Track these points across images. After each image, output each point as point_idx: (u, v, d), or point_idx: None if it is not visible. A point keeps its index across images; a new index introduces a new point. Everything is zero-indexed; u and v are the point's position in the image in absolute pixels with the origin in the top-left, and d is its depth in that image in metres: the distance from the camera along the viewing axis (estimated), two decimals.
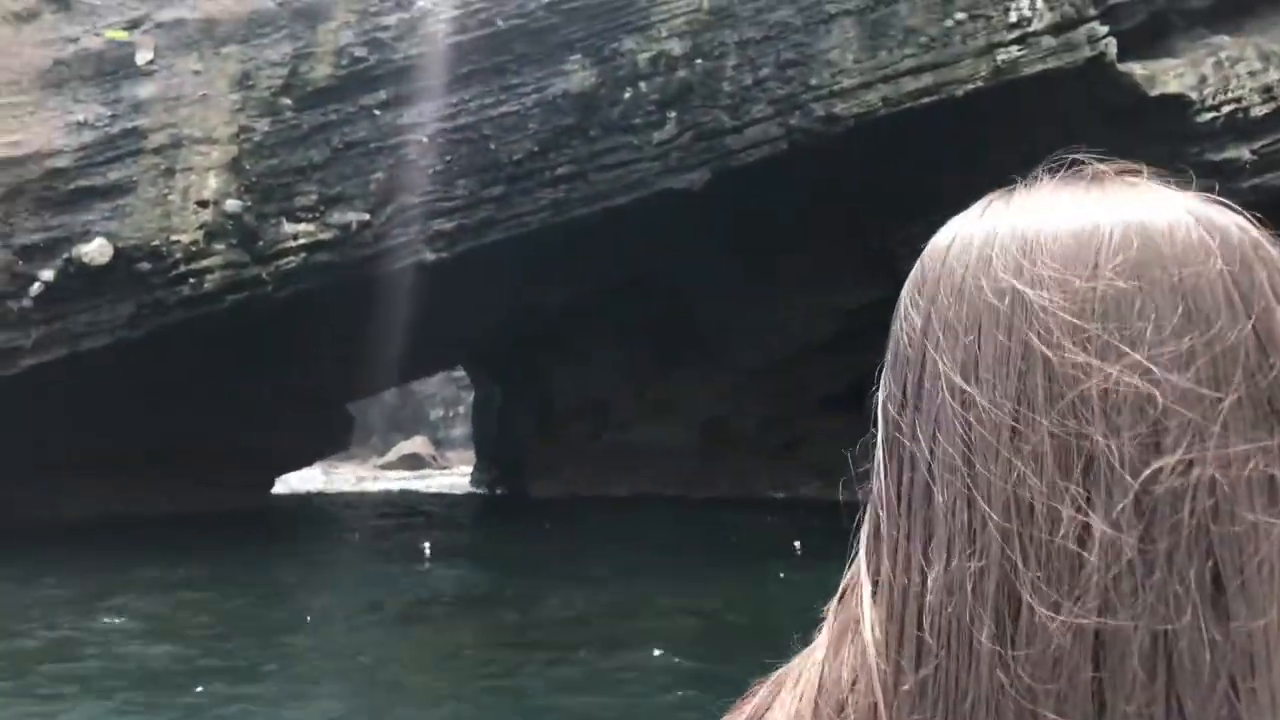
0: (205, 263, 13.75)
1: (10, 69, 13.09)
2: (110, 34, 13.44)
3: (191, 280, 13.73)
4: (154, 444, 18.28)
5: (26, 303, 13.01)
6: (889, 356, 0.63)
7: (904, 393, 0.60)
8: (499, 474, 24.80)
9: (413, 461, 46.38)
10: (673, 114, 16.46)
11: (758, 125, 16.85)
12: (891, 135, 17.66)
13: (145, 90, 13.56)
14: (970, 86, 17.02)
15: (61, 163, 13.16)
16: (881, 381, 0.63)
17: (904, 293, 0.63)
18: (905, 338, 0.61)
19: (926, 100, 17.06)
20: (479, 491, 25.95)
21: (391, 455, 48.31)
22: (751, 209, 19.31)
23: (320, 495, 23.55)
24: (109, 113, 13.38)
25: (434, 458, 47.77)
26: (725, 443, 22.07)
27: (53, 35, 13.41)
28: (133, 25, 13.70)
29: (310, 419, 19.93)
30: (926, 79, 17.00)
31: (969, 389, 0.56)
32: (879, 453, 0.62)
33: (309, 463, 20.95)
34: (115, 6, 13.76)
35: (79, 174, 13.27)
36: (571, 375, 22.17)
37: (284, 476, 22.97)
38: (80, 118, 13.22)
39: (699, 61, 16.45)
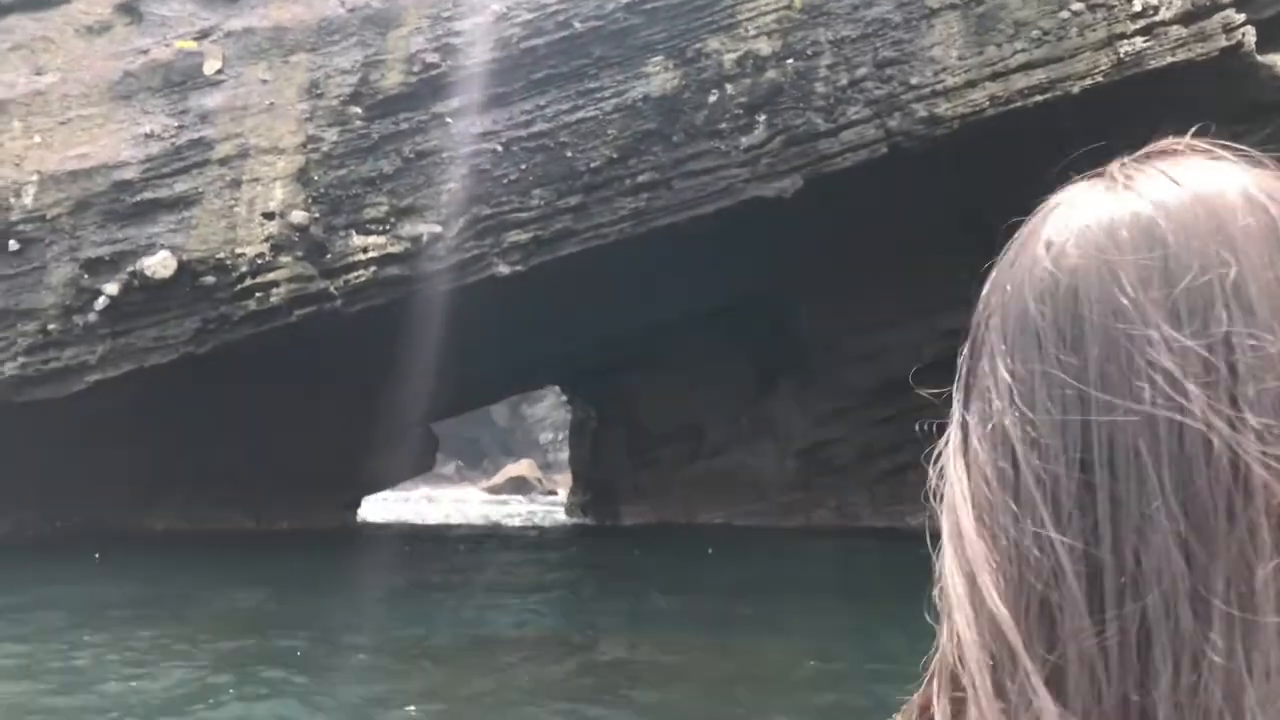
0: (271, 276, 13.35)
1: (81, 81, 12.97)
2: (180, 44, 13.22)
3: (257, 294, 13.35)
4: (236, 462, 18.10)
5: (92, 317, 12.80)
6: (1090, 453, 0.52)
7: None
8: (590, 499, 24.04)
9: (519, 485, 46.25)
10: (762, 117, 15.52)
11: (854, 128, 15.79)
12: (1001, 138, 16.37)
13: (213, 100, 13.28)
14: (1088, 82, 15.65)
15: (128, 175, 12.95)
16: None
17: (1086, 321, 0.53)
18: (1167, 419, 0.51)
19: (1039, 98, 15.74)
20: (570, 519, 25.20)
21: (498, 478, 48.35)
22: (857, 219, 18.21)
23: (398, 521, 23.11)
24: (176, 124, 13.15)
25: (540, 481, 47.51)
26: (826, 470, 20.88)
27: (124, 47, 13.26)
28: (202, 35, 13.47)
29: (393, 440, 19.52)
30: (1039, 75, 15.70)
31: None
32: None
33: (393, 484, 20.55)
34: (186, 17, 13.56)
35: (145, 186, 13.04)
36: (664, 398, 21.30)
37: (380, 495, 22.77)
38: (147, 129, 13.01)
39: (790, 61, 15.49)
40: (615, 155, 14.84)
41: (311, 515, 18.94)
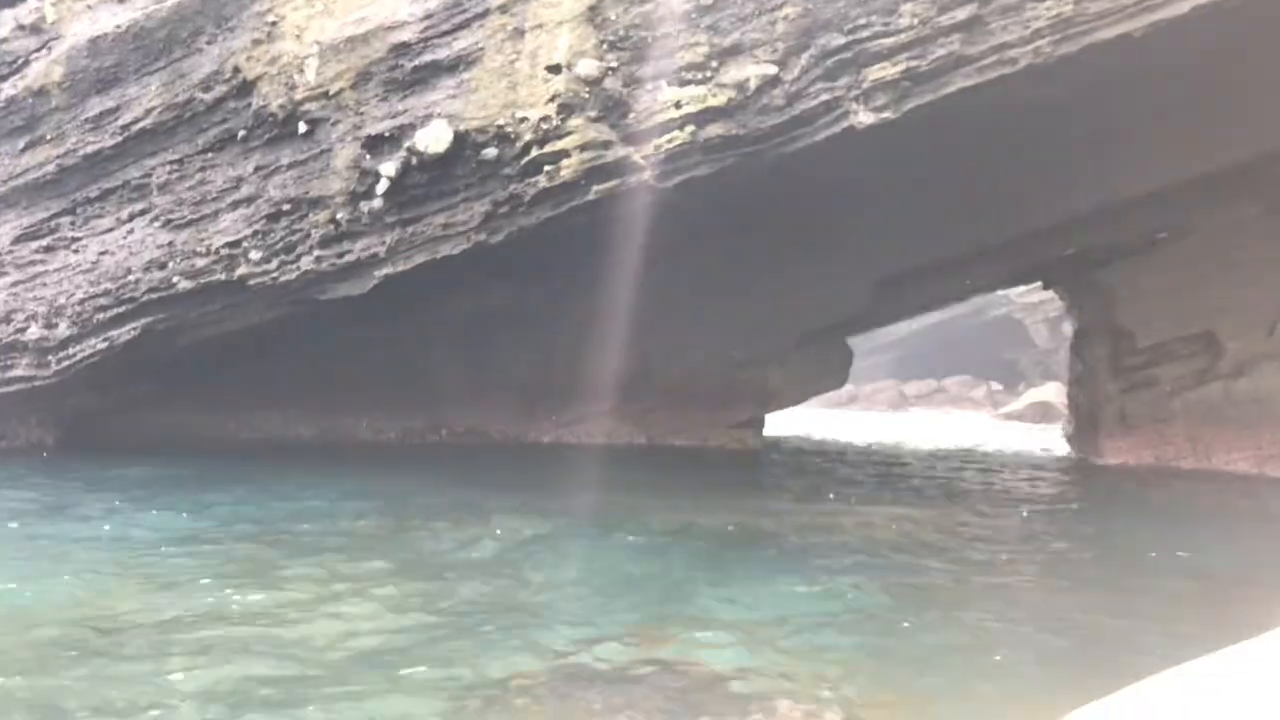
0: (560, 144, 10.97)
1: None
2: None
3: (546, 168, 11.06)
4: (623, 372, 16.29)
5: (377, 204, 11.37)
6: None
7: None
8: (1075, 429, 19.09)
9: (1042, 411, 40.68)
10: None
11: None
12: None
13: None
14: None
15: (405, 36, 11.25)
16: None
17: None
18: None
19: None
20: (1060, 453, 20.35)
21: (1020, 403, 43.12)
22: None
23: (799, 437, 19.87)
24: None
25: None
26: None
27: None
28: None
29: (799, 352, 16.51)
30: None
31: None
32: None
33: (798, 401, 17.56)
34: None
35: (424, 48, 11.25)
36: (1160, 296, 15.85)
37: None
38: None
39: None
40: None
41: (707, 432, 16.67)
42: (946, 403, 49.32)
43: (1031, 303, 45.21)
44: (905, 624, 6.18)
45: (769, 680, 5.10)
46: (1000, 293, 40.44)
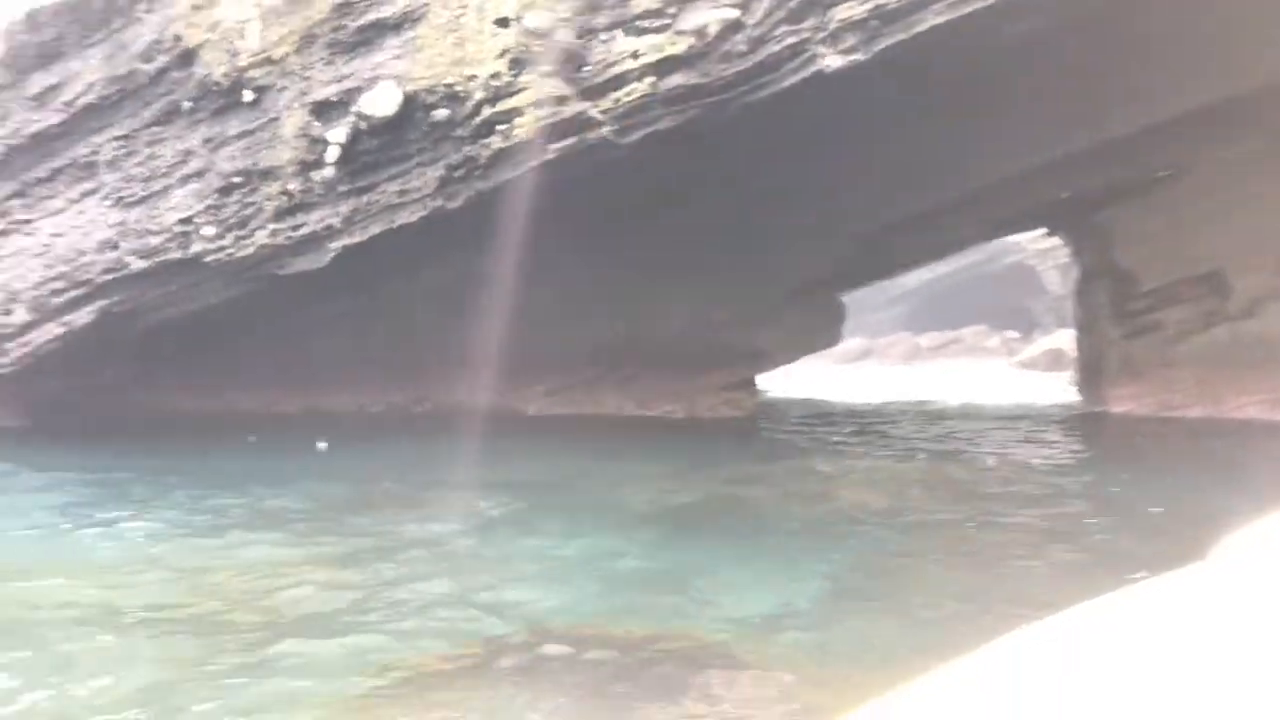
0: (513, 101, 10.47)
1: None
2: None
3: (501, 127, 10.56)
4: (609, 339, 15.86)
5: (329, 172, 10.94)
6: None
7: None
8: (1083, 377, 18.53)
9: (1055, 359, 39.97)
10: None
11: None
12: None
13: None
14: None
15: None
16: None
17: None
18: None
19: None
20: (1068, 402, 19.73)
21: (1033, 351, 42.40)
22: None
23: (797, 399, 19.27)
24: None
25: None
26: None
27: None
28: None
29: (790, 310, 15.98)
30: None
31: None
32: None
33: (791, 360, 17.04)
34: None
35: (368, 6, 10.76)
36: (1162, 236, 15.21)
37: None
38: None
39: None
40: None
41: (696, 397, 16.21)
42: (962, 353, 48.62)
43: (1043, 249, 44.32)
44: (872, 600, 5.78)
45: (734, 657, 4.74)
46: (1012, 239, 39.66)
